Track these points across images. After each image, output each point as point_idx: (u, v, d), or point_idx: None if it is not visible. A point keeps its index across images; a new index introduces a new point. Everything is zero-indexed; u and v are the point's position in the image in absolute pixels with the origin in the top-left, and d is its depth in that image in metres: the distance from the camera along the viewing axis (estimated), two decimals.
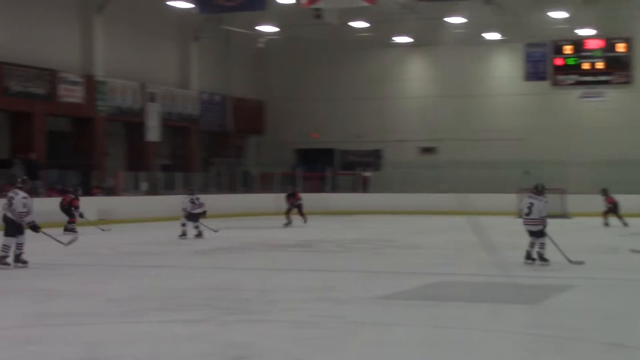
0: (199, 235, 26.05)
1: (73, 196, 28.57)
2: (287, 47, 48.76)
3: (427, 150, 48.58)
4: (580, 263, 18.06)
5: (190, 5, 35.95)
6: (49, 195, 35.08)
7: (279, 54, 49.96)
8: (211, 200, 41.60)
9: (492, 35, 46.65)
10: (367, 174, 49.27)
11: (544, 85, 48.29)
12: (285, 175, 46.96)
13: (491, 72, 49.93)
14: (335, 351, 9.98)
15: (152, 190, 39.91)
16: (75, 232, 25.23)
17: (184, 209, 26.11)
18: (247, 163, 50.98)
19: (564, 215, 38.70)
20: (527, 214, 18.56)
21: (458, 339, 10.78)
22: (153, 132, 42.78)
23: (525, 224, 18.72)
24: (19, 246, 17.28)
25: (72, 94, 39.10)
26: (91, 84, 39.98)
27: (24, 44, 36.74)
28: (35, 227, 18.17)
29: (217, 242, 25.04)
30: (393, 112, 50.43)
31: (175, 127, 45.61)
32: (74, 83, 39.30)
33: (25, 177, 19.34)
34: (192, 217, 26.06)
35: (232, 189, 45.32)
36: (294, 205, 33.43)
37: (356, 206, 43.68)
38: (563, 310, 13.14)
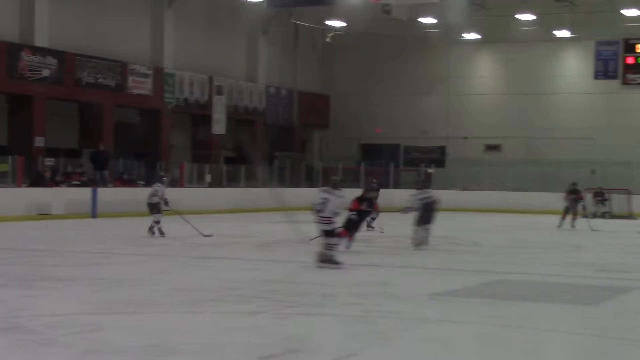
0: (156, 233, 23.56)
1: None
2: (354, 42, 48.67)
3: (492, 147, 48.42)
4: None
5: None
6: (116, 185, 35.80)
7: (346, 49, 49.90)
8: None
9: (562, 33, 46.24)
10: (431, 170, 49.10)
11: (614, 84, 47.87)
12: (349, 170, 47.10)
13: (560, 70, 49.46)
14: (389, 347, 9.86)
15: (216, 183, 40.23)
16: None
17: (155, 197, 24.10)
18: (311, 157, 51.07)
19: (629, 216, 38.53)
20: (320, 211, 16.70)
21: (515, 338, 10.69)
22: (219, 125, 43.10)
23: (318, 222, 16.91)
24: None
25: (140, 85, 39.56)
26: (160, 76, 40.43)
27: (95, 36, 37.20)
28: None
29: (278, 234, 25.12)
30: (458, 109, 50.25)
31: (240, 119, 45.84)
32: (143, 75, 39.74)
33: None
34: (151, 207, 24.05)
35: (295, 182, 45.45)
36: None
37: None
38: (625, 312, 12.97)
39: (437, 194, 23.44)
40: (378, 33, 46.20)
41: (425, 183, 22.53)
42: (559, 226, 29.78)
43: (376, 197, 26.03)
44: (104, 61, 37.64)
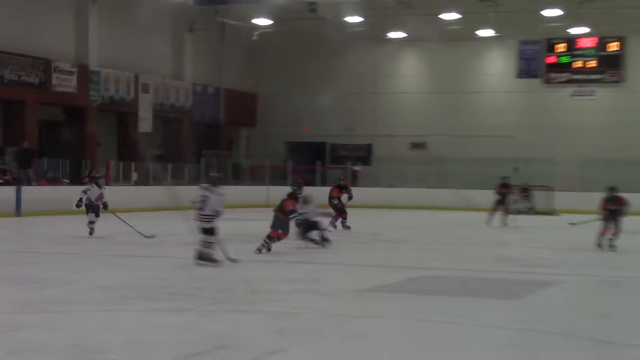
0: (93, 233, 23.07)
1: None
2: (281, 40, 48.79)
3: (417, 145, 48.81)
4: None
5: None
6: (40, 184, 35.43)
7: (272, 47, 49.99)
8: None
9: (486, 32, 46.64)
10: (357, 168, 49.33)
11: (536, 82, 48.55)
12: (276, 168, 47.28)
13: (484, 68, 50.03)
14: (315, 343, 10.01)
15: (143, 181, 40.04)
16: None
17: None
18: (238, 155, 51.04)
19: (550, 213, 39.08)
20: (200, 209, 16.33)
21: (439, 333, 10.83)
22: (145, 123, 42.94)
23: (197, 220, 16.51)
24: None
25: (65, 83, 39.11)
26: (84, 74, 39.99)
27: (18, 32, 36.77)
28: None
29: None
30: (384, 107, 50.58)
31: (166, 117, 45.74)
32: (68, 72, 39.30)
33: None
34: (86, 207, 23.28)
35: (222, 180, 45.03)
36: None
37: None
38: (547, 306, 13.22)
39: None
40: (305, 32, 46.32)
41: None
42: (488, 223, 29.56)
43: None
44: (27, 58, 37.20)
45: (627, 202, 22.09)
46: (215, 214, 16.43)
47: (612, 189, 22.27)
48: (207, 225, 16.28)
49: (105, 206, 22.74)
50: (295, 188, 20.98)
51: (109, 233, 22.84)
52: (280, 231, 19.63)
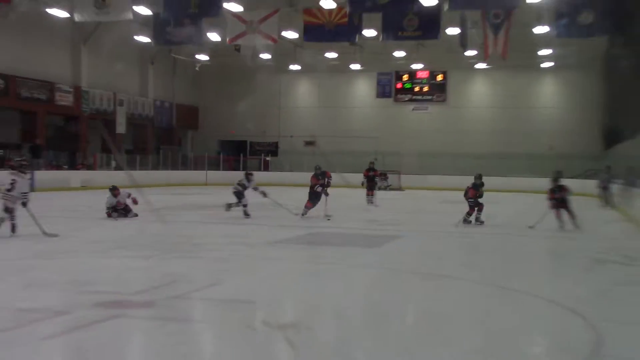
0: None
1: None
2: (215, 69, 48.47)
3: (309, 143, 48.93)
4: (55, 235, 13.80)
5: (149, 40, 35.42)
6: (48, 169, 34.94)
7: (209, 74, 49.52)
8: (161, 175, 41.58)
9: (355, 66, 46.94)
10: (268, 158, 49.47)
11: (389, 101, 48.90)
12: (211, 158, 47.16)
13: (354, 90, 50.18)
14: (243, 278, 10.04)
15: (119, 167, 39.49)
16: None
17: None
18: (186, 149, 50.58)
19: (400, 189, 39.62)
20: (9, 190, 13.41)
21: (328, 270, 10.93)
22: (121, 127, 42.34)
23: (4, 199, 13.51)
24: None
25: (65, 99, 38.40)
26: (78, 92, 39.36)
27: (31, 62, 36.12)
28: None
29: (164, 203, 24.80)
30: (286, 116, 50.46)
31: (136, 123, 45.05)
32: (66, 91, 38.57)
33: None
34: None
35: (174, 167, 45.07)
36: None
37: (260, 181, 43.80)
38: (399, 252, 13.41)
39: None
40: (232, 64, 46.07)
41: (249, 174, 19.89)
42: (368, 203, 25.77)
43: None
44: (37, 81, 36.43)
45: (569, 189, 17.71)
46: (22, 195, 13.56)
47: (556, 179, 17.75)
48: (12, 205, 13.41)
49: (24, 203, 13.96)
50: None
51: (92, 204, 22.40)
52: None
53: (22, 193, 13.69)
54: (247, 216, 19.24)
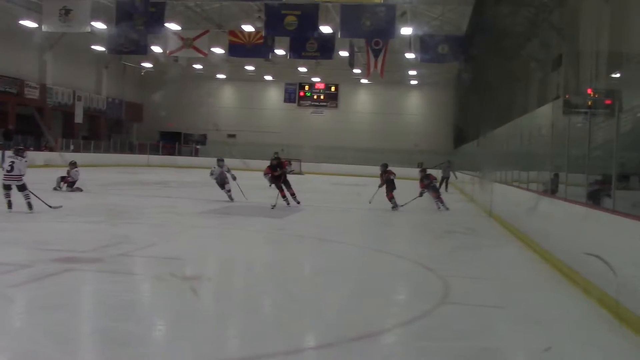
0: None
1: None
2: (157, 74, 47.19)
3: (231, 135, 48.55)
4: (59, 207, 12.80)
5: (103, 48, 34.20)
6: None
7: (153, 78, 48.21)
8: (111, 158, 40.40)
9: (268, 77, 46.89)
10: (198, 147, 48.69)
11: (294, 105, 48.91)
12: (153, 145, 46.23)
13: (267, 96, 49.91)
14: (173, 240, 9.92)
15: (76, 150, 38.23)
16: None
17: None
18: (132, 137, 49.25)
19: (301, 173, 39.74)
20: (9, 171, 11.94)
21: (236, 235, 10.85)
22: (78, 117, 40.96)
23: (8, 180, 11.97)
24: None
25: (33, 93, 36.74)
26: (44, 89, 37.68)
27: (4, 62, 34.38)
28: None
29: (113, 179, 24.23)
30: (214, 113, 49.59)
31: (91, 115, 43.45)
32: (34, 87, 36.91)
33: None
34: None
35: (122, 151, 43.88)
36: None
37: (192, 164, 43.32)
38: (298, 222, 13.32)
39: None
40: (171, 70, 45.12)
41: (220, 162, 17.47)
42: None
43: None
44: (10, 78, 34.80)
45: (435, 177, 17.56)
46: (21, 174, 12.08)
47: (423, 170, 17.23)
48: (19, 183, 12.02)
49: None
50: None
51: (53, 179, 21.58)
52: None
53: (18, 175, 12.07)
54: (231, 200, 16.79)
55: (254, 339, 4.95)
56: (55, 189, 17.64)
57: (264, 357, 4.57)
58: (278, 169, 16.35)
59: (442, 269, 8.13)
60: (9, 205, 11.95)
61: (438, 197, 17.32)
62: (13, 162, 11.99)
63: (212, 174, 17.38)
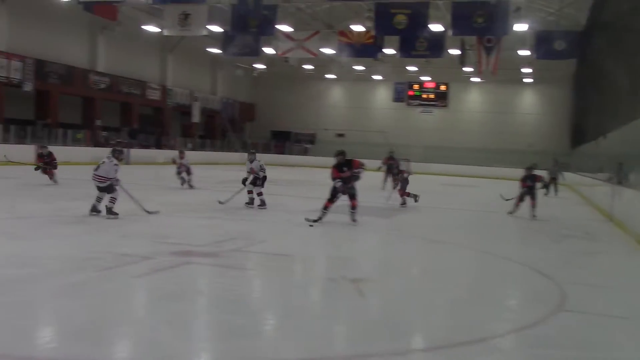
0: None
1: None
2: (269, 75, 48.38)
3: (340, 135, 48.88)
4: (156, 212, 11.63)
5: (219, 51, 35.36)
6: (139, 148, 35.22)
7: (265, 79, 49.51)
8: (225, 156, 41.62)
9: (378, 77, 46.81)
10: (308, 146, 49.43)
11: (403, 105, 48.56)
12: (264, 144, 47.32)
13: (376, 95, 49.86)
14: (283, 237, 9.89)
15: (193, 148, 39.70)
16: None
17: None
18: (246, 136, 50.18)
19: (409, 173, 39.35)
20: (95, 170, 11.04)
21: (344, 233, 10.84)
22: (195, 117, 42.65)
23: (93, 178, 11.03)
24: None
25: (154, 94, 38.72)
26: (164, 90, 39.60)
27: (130, 66, 36.50)
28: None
29: (227, 176, 24.45)
30: (323, 113, 50.31)
31: (207, 115, 45.05)
32: (155, 89, 38.87)
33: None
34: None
35: (230, 149, 45.15)
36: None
37: (301, 163, 44.04)
38: (409, 221, 13.02)
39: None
40: (284, 72, 46.04)
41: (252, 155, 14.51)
42: (382, 188, 22.37)
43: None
44: (133, 80, 36.81)
45: (541, 177, 15.51)
46: (107, 177, 11.01)
47: (529, 169, 15.17)
48: (102, 185, 11.03)
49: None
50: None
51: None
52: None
53: (102, 176, 11.11)
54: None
55: (362, 338, 4.94)
56: (183, 184, 18.47)
57: (372, 357, 4.54)
58: (345, 169, 11.71)
59: (559, 275, 7.77)
60: (92, 208, 11.10)
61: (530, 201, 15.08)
62: (103, 162, 11.09)
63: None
